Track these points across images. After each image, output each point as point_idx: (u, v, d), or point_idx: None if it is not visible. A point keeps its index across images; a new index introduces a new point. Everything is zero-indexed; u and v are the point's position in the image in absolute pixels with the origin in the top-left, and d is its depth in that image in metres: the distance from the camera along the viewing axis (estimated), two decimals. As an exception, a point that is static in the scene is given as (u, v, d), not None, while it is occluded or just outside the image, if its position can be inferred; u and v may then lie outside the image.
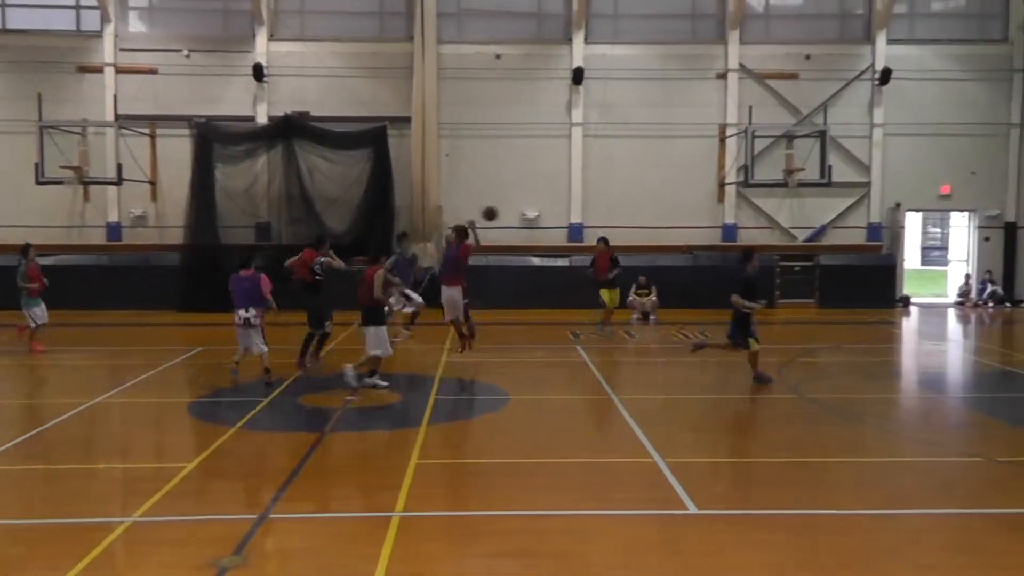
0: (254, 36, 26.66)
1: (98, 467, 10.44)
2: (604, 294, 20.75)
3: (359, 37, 27.05)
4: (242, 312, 14.55)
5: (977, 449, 11.27)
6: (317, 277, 15.76)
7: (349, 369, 13.79)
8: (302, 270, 15.78)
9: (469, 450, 11.19)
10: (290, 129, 25.87)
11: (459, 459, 10.68)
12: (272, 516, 8.23)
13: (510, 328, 22.04)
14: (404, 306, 19.47)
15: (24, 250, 18.36)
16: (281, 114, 26.13)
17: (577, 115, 26.97)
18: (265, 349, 14.62)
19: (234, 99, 26.70)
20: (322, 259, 15.86)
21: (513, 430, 11.94)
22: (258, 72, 26.24)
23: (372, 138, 26.01)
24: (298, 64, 26.63)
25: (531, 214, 26.98)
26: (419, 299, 19.61)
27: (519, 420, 12.51)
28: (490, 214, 18.06)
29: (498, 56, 26.88)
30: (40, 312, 18.16)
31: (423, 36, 26.02)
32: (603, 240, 21.20)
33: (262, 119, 26.55)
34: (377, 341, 13.87)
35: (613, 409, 12.96)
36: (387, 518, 8.08)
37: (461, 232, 16.34)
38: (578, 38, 26.85)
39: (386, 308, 17.20)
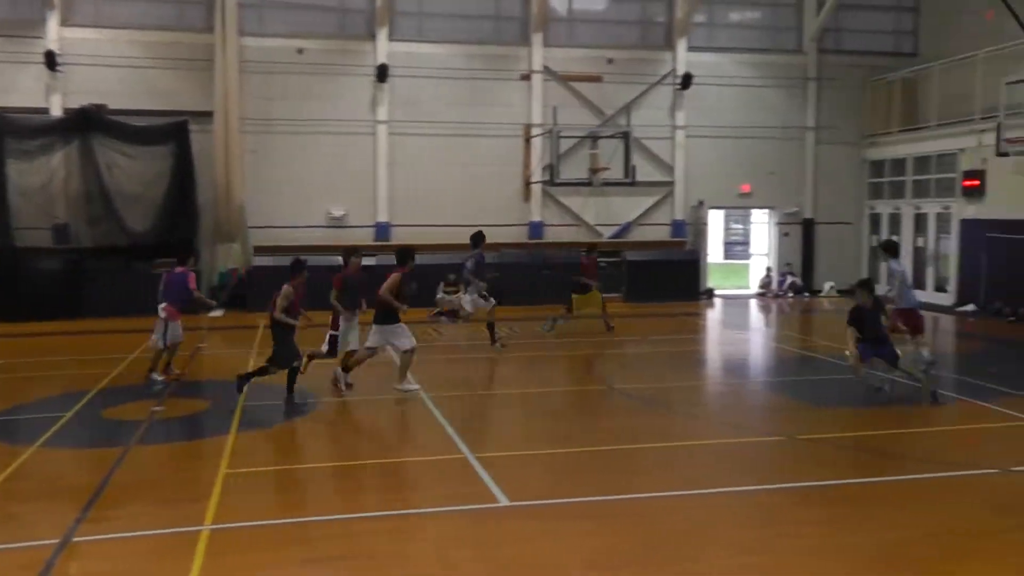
0: (45, 20, 24.94)
1: None
2: (577, 299, 20.34)
3: (158, 26, 25.75)
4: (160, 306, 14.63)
5: (780, 429, 11.99)
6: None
7: (406, 384, 13.65)
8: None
9: (280, 456, 11.05)
10: (87, 122, 24.36)
11: (269, 466, 10.51)
12: (75, 539, 7.85)
13: (315, 330, 21.62)
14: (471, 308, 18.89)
15: None
16: (77, 106, 24.57)
17: (382, 113, 26.77)
18: (160, 345, 14.65)
19: (25, 89, 24.83)
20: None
21: (323, 433, 11.93)
22: (50, 60, 24.54)
23: (173, 133, 24.86)
24: (94, 52, 25.08)
25: (337, 213, 26.61)
26: (492, 301, 18.95)
27: (329, 423, 12.52)
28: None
29: (300, 51, 26.25)
30: None
31: (224, 27, 25.13)
32: (592, 248, 21.22)
33: (57, 111, 24.91)
34: (401, 335, 13.77)
35: (423, 407, 13.04)
36: (196, 532, 7.90)
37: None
38: (382, 35, 26.64)
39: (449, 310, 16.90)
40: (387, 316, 13.66)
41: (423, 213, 26.69)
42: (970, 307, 24.68)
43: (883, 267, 22.32)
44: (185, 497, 9.09)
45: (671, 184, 28.89)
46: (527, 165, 27.52)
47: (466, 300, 18.72)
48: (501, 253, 26.36)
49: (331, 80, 26.45)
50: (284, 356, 13.34)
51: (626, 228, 28.50)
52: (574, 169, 26.35)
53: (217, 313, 23.37)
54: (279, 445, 11.58)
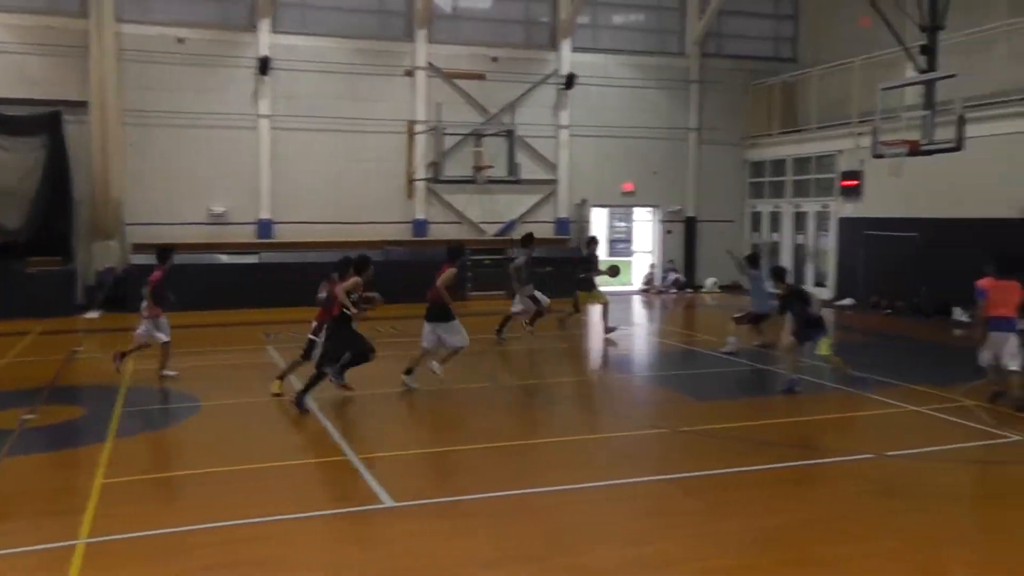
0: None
1: None
2: (582, 296, 20.16)
3: (29, 9, 24.47)
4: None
5: (663, 421, 12.19)
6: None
7: (436, 364, 13.97)
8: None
9: (160, 463, 10.73)
10: (-45, 111, 23.08)
11: (149, 474, 10.19)
12: (-63, 562, 7.43)
13: (199, 330, 21.17)
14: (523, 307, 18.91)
15: None
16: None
17: (265, 107, 26.23)
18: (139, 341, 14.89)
19: None
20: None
21: (206, 438, 11.60)
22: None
23: (46, 124, 23.79)
24: (-42, 36, 23.91)
25: (218, 210, 25.94)
26: (546, 300, 18.90)
27: (212, 427, 12.18)
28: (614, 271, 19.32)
29: (181, 40, 25.42)
30: None
31: (99, 12, 24.15)
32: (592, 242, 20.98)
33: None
34: (456, 333, 14.01)
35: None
36: (71, 547, 7.57)
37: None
38: (264, 26, 26.08)
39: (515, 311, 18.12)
40: (442, 313, 13.88)
41: (307, 210, 26.32)
42: (848, 301, 25.58)
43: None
44: (59, 510, 8.71)
45: (555, 182, 29.16)
46: (411, 162, 27.33)
47: (516, 302, 19.06)
48: (385, 251, 26.25)
49: (212, 72, 25.78)
50: (357, 347, 13.03)
51: (510, 226, 28.60)
52: (458, 167, 26.38)
53: (94, 315, 22.65)
54: (159, 452, 11.25)
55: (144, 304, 14.91)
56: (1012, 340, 12.37)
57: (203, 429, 12.13)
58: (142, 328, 15.00)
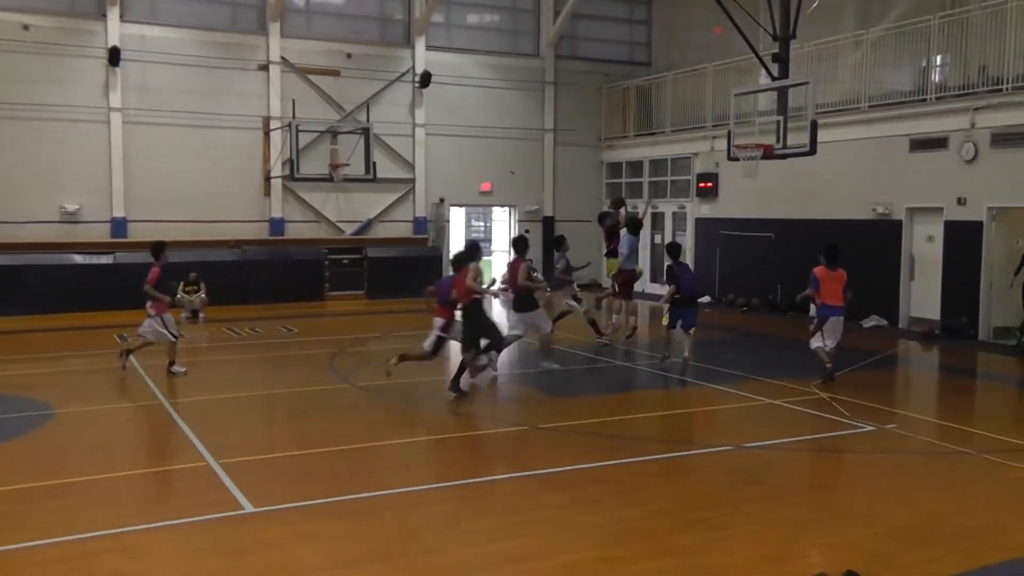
0: None
1: None
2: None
3: None
4: None
5: (523, 419, 12.27)
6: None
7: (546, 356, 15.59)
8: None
9: (5, 475, 9.77)
10: None
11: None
12: None
13: (51, 334, 20.32)
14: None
15: None
16: None
17: (116, 99, 25.12)
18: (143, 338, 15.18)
19: None
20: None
21: (57, 447, 11.01)
22: None
23: None
24: None
25: (71, 207, 24.72)
26: (582, 303, 18.86)
27: (64, 436, 11.57)
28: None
29: (26, 27, 24.08)
30: None
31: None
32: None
33: None
34: (543, 319, 15.74)
35: (165, 414, 12.48)
36: None
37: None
38: (113, 14, 24.93)
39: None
40: (527, 303, 15.10)
41: (162, 208, 25.37)
42: (706, 299, 26.14)
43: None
44: None
45: (412, 181, 29.00)
46: (267, 159, 26.84)
47: (566, 303, 19.29)
48: (242, 250, 25.70)
49: (60, 61, 24.51)
50: (492, 333, 13.90)
51: (367, 225, 28.34)
52: (315, 164, 25.97)
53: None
54: (3, 463, 10.35)
55: (150, 302, 15.03)
56: (840, 323, 14.12)
57: (56, 438, 11.51)
58: (146, 324, 15.14)
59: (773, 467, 10.17)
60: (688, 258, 27.70)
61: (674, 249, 16.86)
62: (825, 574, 6.83)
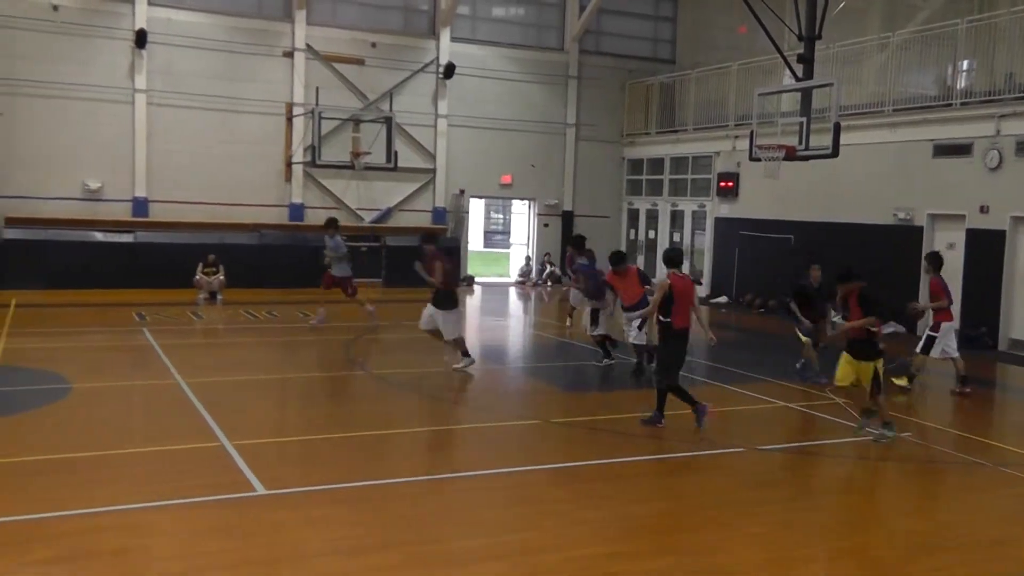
0: None
1: None
2: None
3: None
4: None
5: (535, 413, 12.21)
6: None
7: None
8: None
9: (20, 447, 9.95)
10: None
11: (6, 458, 9.53)
12: None
13: (71, 310, 20.45)
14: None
15: None
16: None
17: (141, 81, 25.27)
18: None
19: None
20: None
21: (74, 422, 11.10)
22: None
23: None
24: None
25: (93, 185, 24.91)
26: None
27: (81, 411, 11.66)
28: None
29: (55, 7, 24.29)
30: None
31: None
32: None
33: None
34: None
35: (181, 394, 12.51)
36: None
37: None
38: (140, -3, 25.18)
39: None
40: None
41: (182, 190, 25.60)
42: (723, 299, 26.18)
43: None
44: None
45: (433, 171, 29.01)
46: (288, 145, 26.90)
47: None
48: (261, 234, 25.78)
49: (88, 42, 24.73)
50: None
51: (387, 213, 28.38)
52: (336, 152, 26.06)
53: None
54: (20, 435, 10.52)
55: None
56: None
57: (72, 412, 11.61)
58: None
59: (784, 470, 10.17)
60: (706, 258, 27.68)
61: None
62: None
